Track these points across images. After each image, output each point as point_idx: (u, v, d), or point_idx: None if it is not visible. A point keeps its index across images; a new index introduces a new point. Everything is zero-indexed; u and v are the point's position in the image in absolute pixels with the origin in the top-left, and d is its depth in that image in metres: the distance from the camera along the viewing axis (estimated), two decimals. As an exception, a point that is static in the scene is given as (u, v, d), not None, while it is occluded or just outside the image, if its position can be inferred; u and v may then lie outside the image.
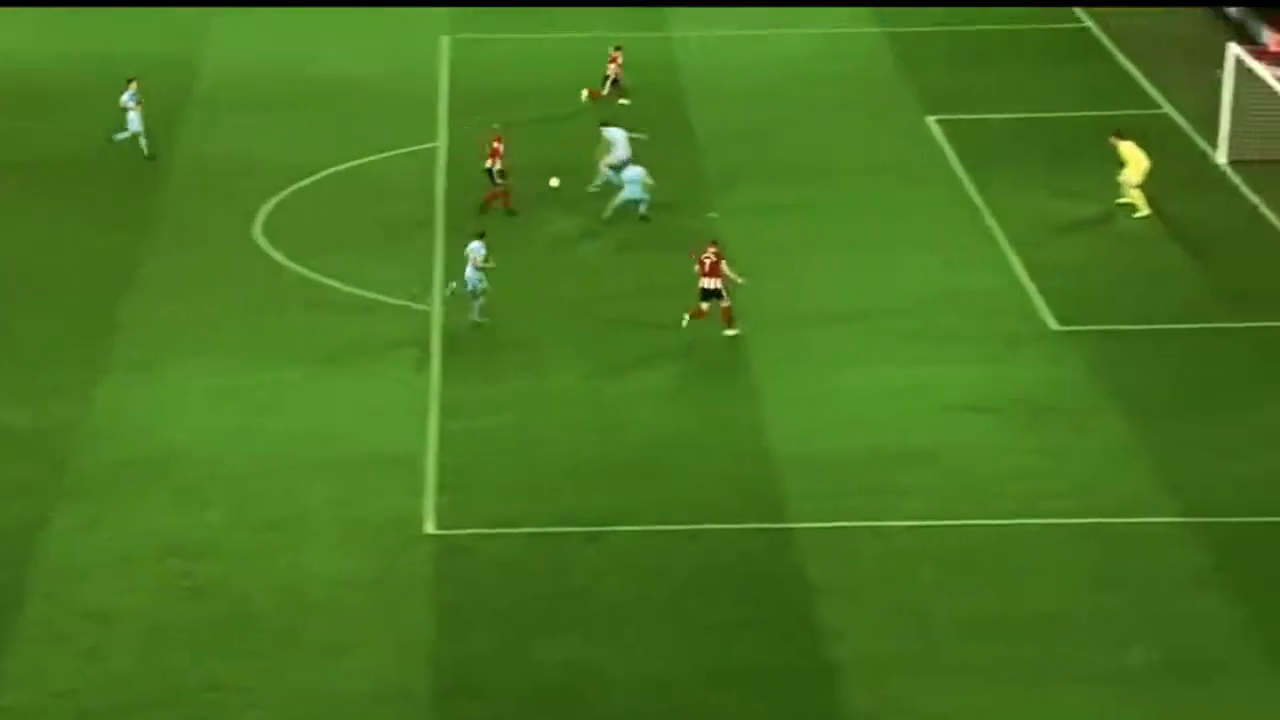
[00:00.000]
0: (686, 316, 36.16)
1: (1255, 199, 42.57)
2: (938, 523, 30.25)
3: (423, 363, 35.74)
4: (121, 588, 28.94)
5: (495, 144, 41.62)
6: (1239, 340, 36.33)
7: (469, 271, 36.75)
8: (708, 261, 36.09)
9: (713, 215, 41.82)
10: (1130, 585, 28.70)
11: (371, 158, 45.50)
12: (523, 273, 39.53)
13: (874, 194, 43.01)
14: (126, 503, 31.25)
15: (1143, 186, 41.93)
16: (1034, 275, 38.90)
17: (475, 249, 36.93)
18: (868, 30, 53.56)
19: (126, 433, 33.41)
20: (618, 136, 42.40)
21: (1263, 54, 45.32)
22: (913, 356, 35.64)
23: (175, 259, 40.27)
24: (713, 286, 35.97)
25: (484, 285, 36.65)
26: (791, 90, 48.87)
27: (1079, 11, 54.96)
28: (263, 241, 41.10)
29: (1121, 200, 42.07)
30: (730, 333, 35.97)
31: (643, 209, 41.19)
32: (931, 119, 47.11)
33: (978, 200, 42.53)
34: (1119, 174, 42.02)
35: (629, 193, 40.99)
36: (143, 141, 44.87)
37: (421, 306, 37.44)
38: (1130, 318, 37.15)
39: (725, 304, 36.04)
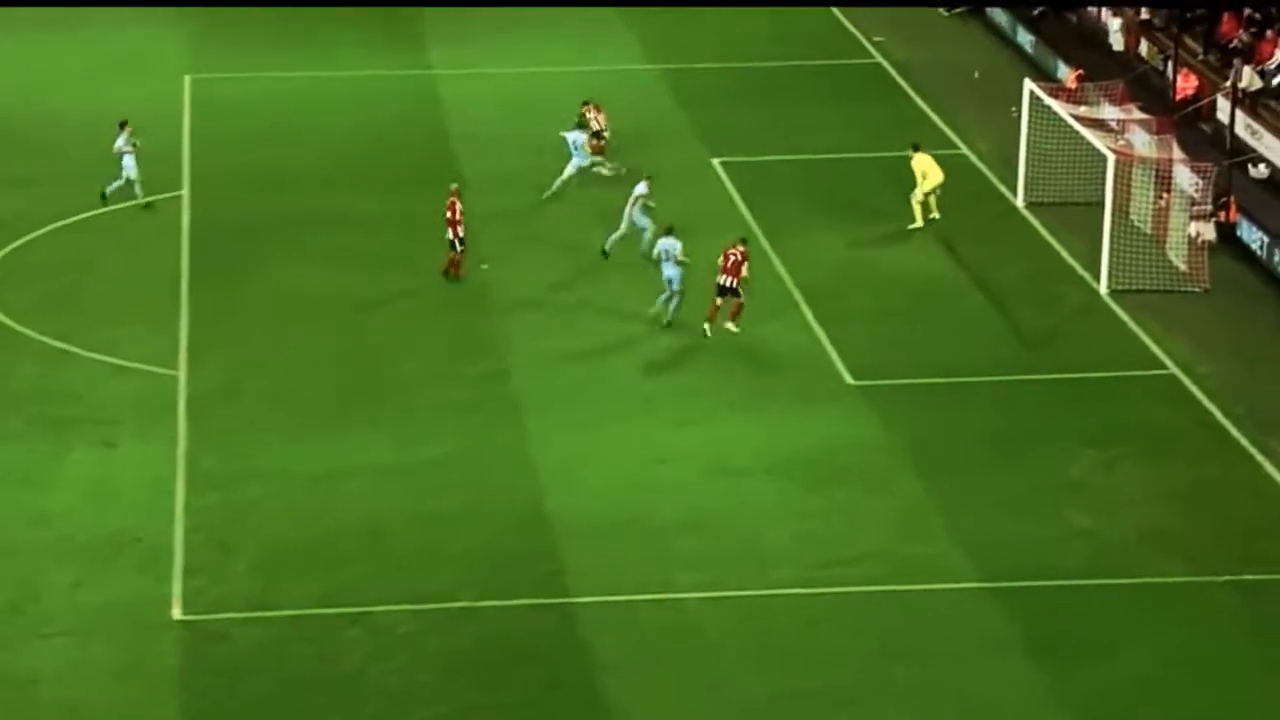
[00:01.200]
0: (706, 326, 38.06)
1: (1054, 243, 44.05)
2: (725, 593, 30.85)
3: (167, 431, 35.61)
4: None
5: (451, 209, 40.91)
6: (1038, 392, 37.55)
7: (669, 270, 38.39)
8: (731, 258, 37.95)
9: (484, 267, 42.25)
10: (928, 655, 29.48)
11: (108, 208, 45.20)
12: (278, 333, 39.61)
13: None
14: None
15: (926, 201, 43.59)
16: (827, 326, 39.86)
17: (671, 245, 38.55)
18: (644, 68, 54.46)
19: None
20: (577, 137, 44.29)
21: (1059, 91, 46.85)
22: (694, 414, 36.31)
23: (-114, 324, 39.72)
24: (728, 284, 37.97)
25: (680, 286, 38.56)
26: (559, 131, 49.47)
27: (869, 46, 56.47)
28: (-14, 302, 40.72)
29: (913, 226, 43.70)
30: (733, 329, 38.31)
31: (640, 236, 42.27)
32: (716, 161, 48.03)
33: (766, 247, 43.41)
34: (911, 193, 43.72)
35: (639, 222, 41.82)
36: (138, 189, 44.48)
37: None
38: (928, 370, 38.22)
39: (739, 299, 38.27)
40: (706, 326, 38.59)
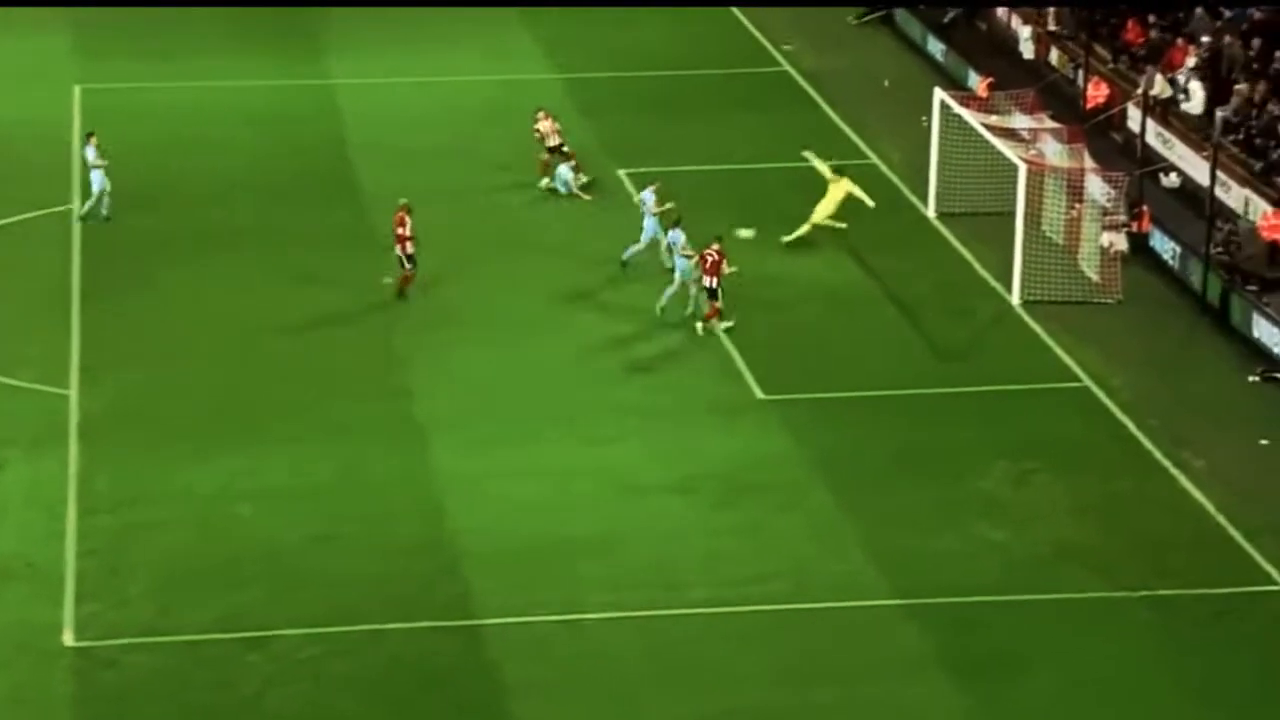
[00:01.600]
0: (702, 321, 39.68)
1: (966, 253, 44.32)
2: (634, 614, 30.83)
3: (58, 453, 35.27)
4: None
5: (400, 225, 40.42)
6: (950, 405, 37.74)
7: (679, 260, 39.86)
8: (709, 259, 39.32)
9: (387, 280, 42.03)
10: (843, 673, 29.58)
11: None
12: (174, 351, 39.35)
13: (561, 255, 43.68)
14: None
15: (816, 224, 43.93)
16: (736, 339, 39.93)
17: (676, 237, 40.15)
18: (546, 77, 54.37)
19: None
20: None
21: (970, 100, 47.14)
22: (600, 432, 36.29)
23: None
24: (711, 284, 39.22)
25: (694, 276, 40.02)
26: (464, 143, 49.35)
27: (777, 54, 56.66)
28: None
29: (797, 235, 43.74)
30: (700, 327, 39.64)
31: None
32: (622, 172, 48.04)
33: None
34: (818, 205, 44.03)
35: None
36: (105, 203, 44.26)
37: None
38: (840, 384, 38.35)
39: (715, 303, 39.62)
40: (700, 325, 39.99)
